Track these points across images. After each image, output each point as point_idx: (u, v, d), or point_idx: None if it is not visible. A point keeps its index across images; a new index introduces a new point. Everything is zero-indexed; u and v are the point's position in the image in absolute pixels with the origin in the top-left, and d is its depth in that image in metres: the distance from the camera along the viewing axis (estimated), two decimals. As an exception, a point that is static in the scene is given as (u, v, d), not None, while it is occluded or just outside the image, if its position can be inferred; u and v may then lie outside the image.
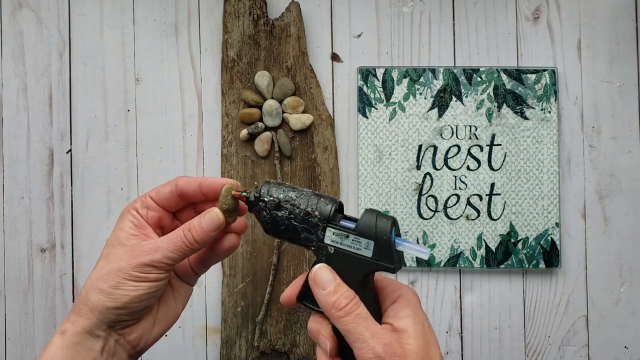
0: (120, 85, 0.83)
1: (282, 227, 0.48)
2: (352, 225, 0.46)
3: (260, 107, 0.80)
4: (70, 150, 0.83)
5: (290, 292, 0.50)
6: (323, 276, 0.46)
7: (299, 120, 0.80)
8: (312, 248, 0.47)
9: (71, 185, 0.83)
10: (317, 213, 0.46)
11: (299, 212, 0.47)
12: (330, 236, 0.46)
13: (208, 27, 0.84)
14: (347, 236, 0.46)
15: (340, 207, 0.48)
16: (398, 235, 0.46)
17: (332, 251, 0.46)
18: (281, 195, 0.47)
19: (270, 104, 0.80)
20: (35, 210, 0.83)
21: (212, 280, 0.82)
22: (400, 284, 0.48)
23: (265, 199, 0.48)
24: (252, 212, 0.49)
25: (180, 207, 0.53)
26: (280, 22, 0.81)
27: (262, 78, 0.80)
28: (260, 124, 0.80)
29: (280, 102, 0.80)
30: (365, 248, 0.45)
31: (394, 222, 0.45)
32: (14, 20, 0.83)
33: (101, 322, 0.48)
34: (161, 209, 0.52)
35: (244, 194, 0.49)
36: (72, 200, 0.83)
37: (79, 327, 0.48)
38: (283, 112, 0.80)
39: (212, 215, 0.49)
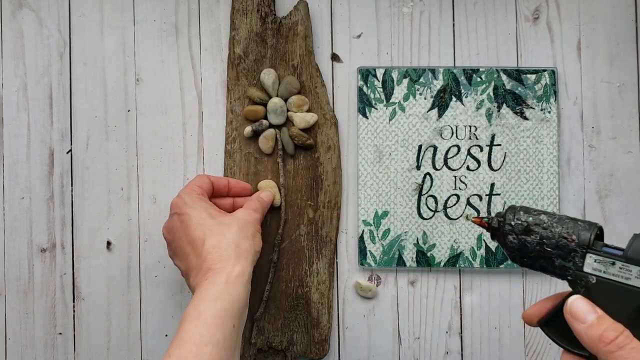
0: (121, 85, 0.83)
1: (532, 254, 0.43)
2: (616, 252, 0.41)
3: (265, 105, 0.81)
4: (70, 150, 0.83)
5: (533, 311, 0.46)
6: (580, 308, 0.41)
7: (303, 119, 0.80)
8: (569, 278, 0.42)
9: (71, 186, 0.83)
10: (574, 237, 0.41)
11: (552, 236, 0.42)
12: (591, 264, 0.41)
13: (208, 27, 0.84)
14: (613, 263, 0.40)
15: (601, 233, 0.43)
16: None
17: (594, 281, 0.40)
18: (530, 219, 0.43)
19: (275, 102, 0.80)
20: (35, 210, 0.83)
21: (212, 280, 0.82)
22: None
23: (512, 222, 0.44)
24: (494, 239, 0.46)
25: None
26: (288, 20, 0.81)
27: (267, 76, 0.80)
28: (264, 121, 0.80)
29: (285, 100, 0.81)
30: (636, 277, 0.39)
31: None
32: (14, 20, 0.83)
33: (252, 265, 0.65)
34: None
35: (485, 219, 0.46)
36: (72, 201, 0.83)
37: (247, 270, 0.62)
38: (288, 111, 0.81)
39: (268, 193, 0.78)
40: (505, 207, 0.45)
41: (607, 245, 0.42)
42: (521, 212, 0.44)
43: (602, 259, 0.40)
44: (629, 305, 0.39)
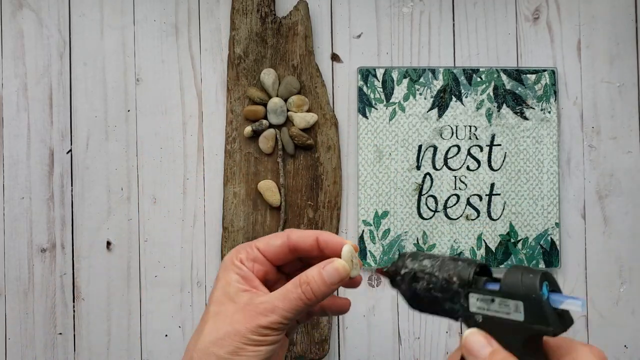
0: (121, 85, 0.83)
1: (424, 300, 0.43)
2: (496, 287, 0.40)
3: (265, 105, 0.81)
4: (70, 150, 0.83)
5: None
6: (475, 342, 0.39)
7: (303, 119, 0.80)
8: (460, 319, 0.41)
9: (71, 186, 0.83)
10: (455, 279, 0.41)
11: (437, 281, 0.42)
12: (475, 303, 0.40)
13: (208, 27, 0.84)
14: (492, 300, 0.40)
15: (482, 269, 0.42)
16: (556, 290, 0.38)
17: (480, 320, 0.40)
18: (415, 266, 0.43)
19: (275, 102, 0.80)
20: (35, 210, 0.83)
21: (212, 280, 0.82)
22: (576, 344, 0.39)
23: (401, 272, 0.43)
24: (394, 287, 0.45)
25: (289, 261, 0.47)
26: (288, 20, 0.81)
27: (267, 76, 0.80)
28: (264, 121, 0.80)
29: (285, 100, 0.81)
30: (515, 311, 0.39)
31: (545, 276, 0.38)
32: (14, 20, 0.83)
33: None
34: (268, 263, 0.46)
35: (385, 269, 0.45)
36: (72, 200, 0.83)
37: None
38: (288, 111, 0.81)
39: (337, 267, 0.44)
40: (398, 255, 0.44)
41: (491, 279, 0.41)
42: (408, 260, 0.43)
43: (483, 297, 0.40)
44: (518, 338, 0.39)
